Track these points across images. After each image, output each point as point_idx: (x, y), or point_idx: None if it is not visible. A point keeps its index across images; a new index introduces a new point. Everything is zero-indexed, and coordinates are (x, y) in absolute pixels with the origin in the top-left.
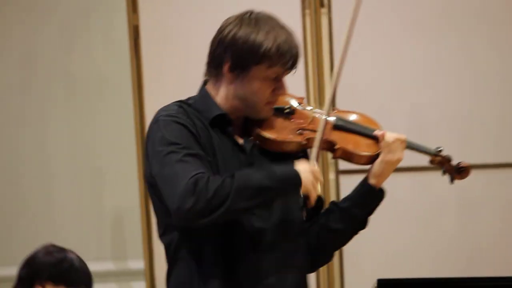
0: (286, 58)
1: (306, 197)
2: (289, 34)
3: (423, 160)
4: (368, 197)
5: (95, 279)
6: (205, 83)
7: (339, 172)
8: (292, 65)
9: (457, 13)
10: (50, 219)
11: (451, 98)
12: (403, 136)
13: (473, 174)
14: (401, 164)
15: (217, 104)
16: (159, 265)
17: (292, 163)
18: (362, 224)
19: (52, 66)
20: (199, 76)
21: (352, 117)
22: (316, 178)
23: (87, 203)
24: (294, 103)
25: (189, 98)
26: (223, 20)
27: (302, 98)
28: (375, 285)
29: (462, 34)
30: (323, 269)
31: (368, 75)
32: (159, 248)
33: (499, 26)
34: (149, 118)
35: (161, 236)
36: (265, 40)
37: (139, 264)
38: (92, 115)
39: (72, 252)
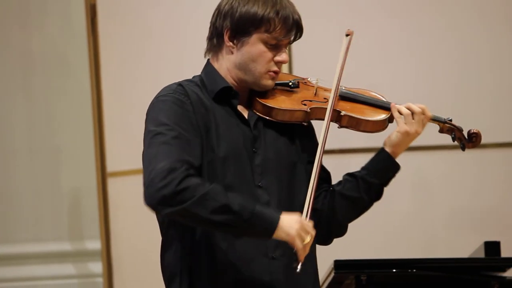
0: (287, 23)
1: (296, 248)
2: (290, 4)
3: (378, 141)
4: (384, 166)
5: (52, 260)
6: (208, 61)
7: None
8: (295, 32)
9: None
10: (6, 198)
11: (409, 77)
12: (424, 108)
13: (428, 155)
14: (357, 146)
15: (222, 77)
16: (115, 245)
17: (295, 132)
18: (378, 194)
19: (9, 44)
20: (156, 54)
21: (361, 91)
22: (304, 231)
23: (43, 182)
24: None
25: (193, 77)
26: (181, 0)
27: (306, 78)
28: (332, 266)
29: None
30: None
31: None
32: (116, 229)
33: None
34: (106, 98)
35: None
36: (265, 5)
37: (95, 244)
38: (49, 94)
39: None
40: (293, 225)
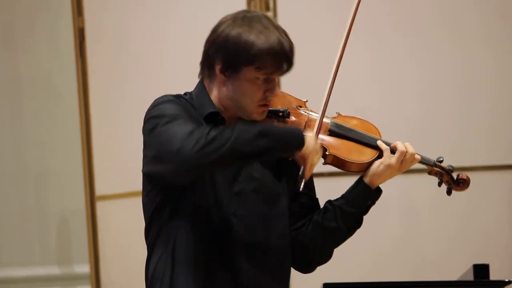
0: (278, 60)
1: (304, 167)
2: (282, 35)
3: None
4: (362, 195)
5: (40, 284)
6: (202, 80)
7: None
8: (286, 67)
9: (419, 12)
10: None
11: (398, 99)
12: (411, 150)
13: (417, 177)
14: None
15: (211, 101)
16: (104, 269)
17: (281, 166)
18: (357, 223)
19: None
20: (144, 78)
21: (352, 123)
22: (317, 150)
23: (31, 206)
24: (293, 105)
25: (185, 93)
26: (170, 23)
27: (304, 102)
28: None
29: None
30: None
31: (314, 75)
32: (105, 252)
33: (461, 26)
34: (94, 121)
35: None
36: (257, 40)
37: (84, 268)
38: (37, 117)
39: None
40: (312, 140)
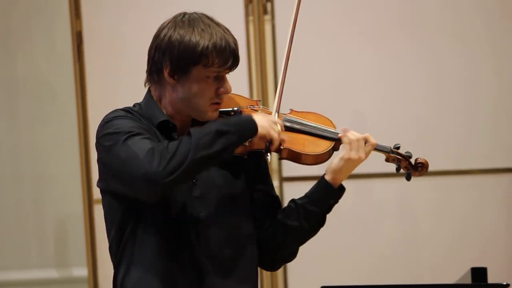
0: (224, 55)
1: (269, 141)
2: (224, 31)
3: (365, 167)
4: (324, 194)
5: (38, 287)
6: (149, 89)
7: (283, 179)
8: (232, 62)
9: (423, 16)
10: None
11: (396, 103)
12: (368, 136)
13: (414, 181)
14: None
15: (161, 109)
16: (102, 272)
17: (238, 163)
18: (320, 222)
19: None
20: (141, 81)
21: (306, 118)
22: (273, 121)
23: (29, 210)
24: (245, 105)
25: (134, 105)
26: None
27: (257, 101)
28: None
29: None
30: (266, 277)
31: (313, 79)
32: (102, 255)
33: (464, 30)
34: (92, 124)
35: (108, 238)
36: (201, 39)
37: (82, 271)
38: (34, 120)
39: None
40: (263, 119)
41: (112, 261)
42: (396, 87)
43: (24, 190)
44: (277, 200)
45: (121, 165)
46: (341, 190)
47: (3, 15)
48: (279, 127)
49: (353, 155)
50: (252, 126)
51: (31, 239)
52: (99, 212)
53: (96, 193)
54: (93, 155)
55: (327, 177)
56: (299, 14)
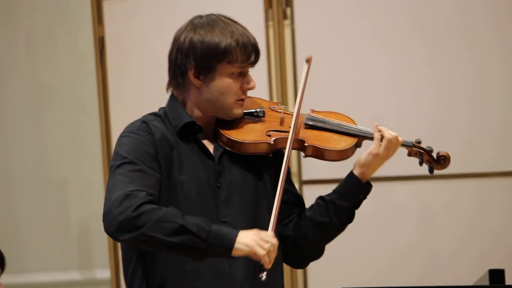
0: (247, 50)
1: (261, 260)
2: (243, 29)
3: (384, 170)
4: (353, 189)
5: None
6: (172, 94)
7: (302, 183)
8: (254, 57)
9: (434, 19)
10: (16, 228)
11: (414, 107)
12: (394, 134)
13: (434, 183)
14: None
15: (186, 112)
16: None
17: (261, 165)
18: (349, 218)
19: (18, 76)
20: (163, 84)
21: (327, 116)
22: (263, 240)
23: (53, 213)
24: (266, 107)
25: (159, 109)
26: None
27: (277, 103)
28: None
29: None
30: (287, 278)
31: (332, 83)
32: None
33: (474, 33)
34: (114, 128)
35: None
36: (223, 37)
37: (105, 273)
38: (58, 125)
39: None
40: (251, 236)
41: (126, 270)
42: (412, 90)
43: (48, 193)
44: (301, 199)
45: (107, 190)
46: (369, 185)
47: (28, 22)
48: (268, 246)
49: (382, 151)
50: (227, 243)
51: (55, 242)
52: None
53: None
54: None
55: (355, 172)
56: (319, 17)
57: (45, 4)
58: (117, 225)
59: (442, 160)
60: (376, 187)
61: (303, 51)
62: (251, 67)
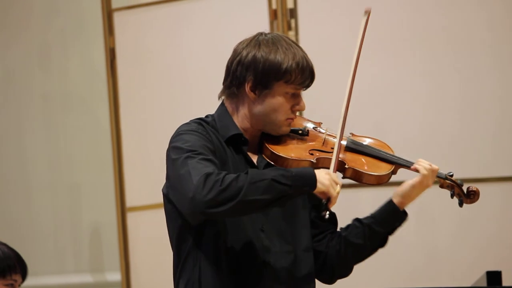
0: (305, 74)
1: (328, 199)
2: (303, 52)
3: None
4: (391, 216)
5: None
6: (223, 102)
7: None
8: (310, 80)
9: (421, 33)
10: (30, 232)
11: (411, 115)
12: (436, 167)
13: (432, 188)
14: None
15: (234, 123)
16: (135, 277)
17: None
18: (382, 242)
19: (32, 86)
20: (172, 94)
21: (366, 141)
22: (334, 180)
23: (65, 217)
24: (310, 126)
25: (207, 116)
26: (196, 42)
27: (319, 123)
28: None
29: (424, 55)
30: None
31: (336, 92)
32: (135, 261)
33: (461, 47)
34: (124, 136)
35: (171, 241)
36: (285, 57)
37: (116, 276)
38: (70, 132)
39: None
40: (325, 176)
41: (175, 269)
42: (409, 98)
43: (60, 198)
44: (334, 216)
45: (176, 181)
46: (405, 213)
47: (41, 33)
48: (339, 188)
49: (426, 183)
50: (311, 182)
51: (67, 245)
52: (131, 219)
53: (129, 201)
54: (126, 165)
55: (395, 201)
56: (323, 28)
57: (58, 17)
58: (208, 202)
59: (472, 195)
60: (377, 191)
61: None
62: (304, 89)
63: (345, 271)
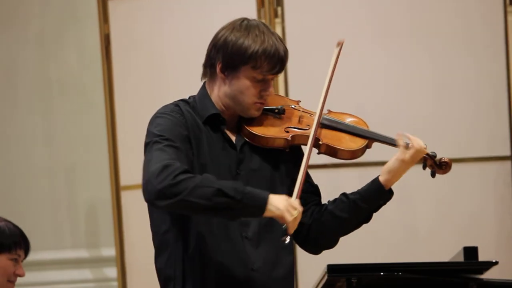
0: (272, 61)
1: (286, 225)
2: (277, 40)
3: (369, 156)
4: (376, 195)
5: (70, 266)
6: (204, 84)
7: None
8: (278, 68)
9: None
10: (29, 210)
11: (392, 98)
12: (418, 141)
13: (412, 168)
14: (349, 161)
15: (213, 103)
16: (129, 252)
17: (280, 159)
18: (367, 218)
19: (29, 72)
20: (165, 80)
21: (342, 118)
22: (292, 206)
23: (62, 196)
24: (287, 104)
25: (189, 97)
26: (187, 29)
27: (298, 101)
28: (325, 270)
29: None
30: None
31: (320, 79)
32: (129, 237)
33: (439, 33)
34: (119, 119)
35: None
36: (253, 43)
37: (111, 251)
38: (67, 115)
39: (1, 219)
40: (282, 201)
41: (154, 241)
42: (394, 82)
43: (58, 177)
44: (318, 189)
45: (143, 165)
46: (390, 193)
47: (38, 21)
48: (296, 213)
49: (408, 158)
50: (260, 204)
51: (64, 222)
52: (126, 197)
53: (123, 180)
54: (120, 145)
55: (381, 178)
56: (308, 16)
57: (54, 4)
58: (157, 193)
59: (444, 166)
60: (360, 171)
61: (293, 48)
62: (273, 77)
63: (330, 243)
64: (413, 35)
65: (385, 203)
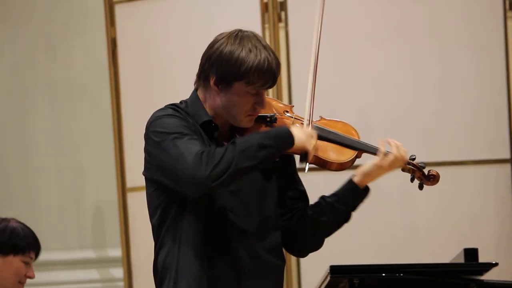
0: (265, 77)
1: (305, 153)
2: (269, 54)
3: (369, 156)
4: (352, 195)
5: (77, 267)
6: (196, 89)
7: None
8: (271, 83)
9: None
10: (36, 211)
11: (390, 101)
12: (403, 151)
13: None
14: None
15: (205, 109)
16: (135, 253)
17: (271, 166)
18: (346, 218)
19: (38, 74)
20: (170, 82)
21: (333, 126)
22: (309, 134)
23: (69, 197)
24: (281, 109)
25: (181, 102)
26: (192, 33)
27: (291, 107)
28: (328, 271)
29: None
30: None
31: (323, 82)
32: (135, 238)
33: (440, 37)
34: (125, 120)
35: (152, 219)
36: (247, 58)
37: (117, 252)
38: (74, 118)
39: (14, 220)
40: (301, 132)
41: (155, 243)
42: (396, 86)
43: (65, 179)
44: (304, 194)
45: (170, 162)
46: (366, 191)
47: (47, 24)
48: (314, 141)
49: (386, 165)
50: (290, 140)
51: (71, 223)
52: (132, 199)
53: (130, 182)
54: (127, 148)
55: (355, 180)
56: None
57: (62, 9)
58: (210, 178)
59: (432, 178)
60: (333, 174)
61: (296, 52)
62: (266, 89)
63: (316, 245)
64: (415, 39)
65: (362, 202)
